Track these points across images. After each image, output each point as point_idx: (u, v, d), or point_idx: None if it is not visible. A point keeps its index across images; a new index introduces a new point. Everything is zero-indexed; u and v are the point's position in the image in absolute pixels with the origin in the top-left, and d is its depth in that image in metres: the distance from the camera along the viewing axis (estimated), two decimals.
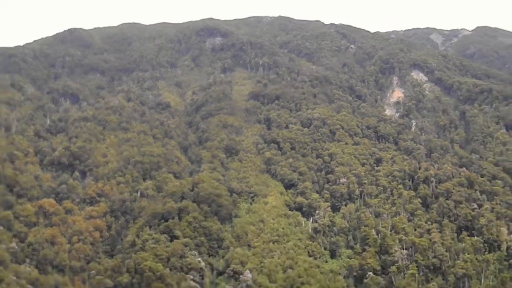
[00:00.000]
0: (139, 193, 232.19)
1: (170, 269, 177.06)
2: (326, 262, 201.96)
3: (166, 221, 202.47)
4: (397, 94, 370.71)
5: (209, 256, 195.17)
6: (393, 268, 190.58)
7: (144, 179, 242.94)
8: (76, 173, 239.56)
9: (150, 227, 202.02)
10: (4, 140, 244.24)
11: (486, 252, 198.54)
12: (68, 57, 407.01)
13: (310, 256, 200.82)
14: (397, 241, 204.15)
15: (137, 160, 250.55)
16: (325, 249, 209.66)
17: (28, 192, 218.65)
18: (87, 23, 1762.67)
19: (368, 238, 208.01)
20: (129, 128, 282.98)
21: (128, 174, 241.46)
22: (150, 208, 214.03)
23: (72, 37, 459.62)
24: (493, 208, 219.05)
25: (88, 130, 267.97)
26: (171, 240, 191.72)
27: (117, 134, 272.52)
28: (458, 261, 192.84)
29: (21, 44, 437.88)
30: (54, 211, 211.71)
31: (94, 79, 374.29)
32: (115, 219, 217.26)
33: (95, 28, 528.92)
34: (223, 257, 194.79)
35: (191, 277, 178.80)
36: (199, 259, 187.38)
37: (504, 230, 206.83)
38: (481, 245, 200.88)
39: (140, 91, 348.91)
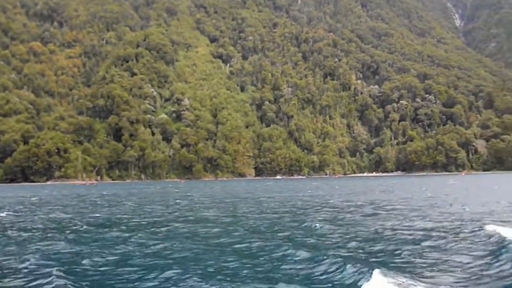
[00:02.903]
0: (105, 40, 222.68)
1: (133, 96, 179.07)
2: (238, 94, 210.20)
3: (127, 62, 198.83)
4: None
5: (159, 88, 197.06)
6: (282, 99, 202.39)
7: (108, 30, 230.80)
8: (55, 23, 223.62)
9: (115, 66, 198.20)
10: None
11: (341, 91, 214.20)
12: None
13: (227, 90, 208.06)
14: (285, 81, 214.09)
15: (101, 15, 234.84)
16: (237, 85, 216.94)
17: (19, 36, 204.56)
18: None
19: (266, 79, 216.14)
20: None
21: (95, 25, 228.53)
22: (114, 52, 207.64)
23: None
24: (348, 61, 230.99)
25: None
26: (132, 76, 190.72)
27: None
28: (323, 96, 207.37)
29: None
30: (41, 52, 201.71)
31: None
32: (88, 59, 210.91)
33: None
34: (168, 89, 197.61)
35: (147, 102, 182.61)
36: (152, 90, 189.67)
37: (353, 77, 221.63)
38: (339, 86, 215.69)
39: None
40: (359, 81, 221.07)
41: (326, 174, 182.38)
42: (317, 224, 19.29)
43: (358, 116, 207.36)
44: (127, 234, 17.85)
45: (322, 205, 31.80)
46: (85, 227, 20.99)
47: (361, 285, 8.33)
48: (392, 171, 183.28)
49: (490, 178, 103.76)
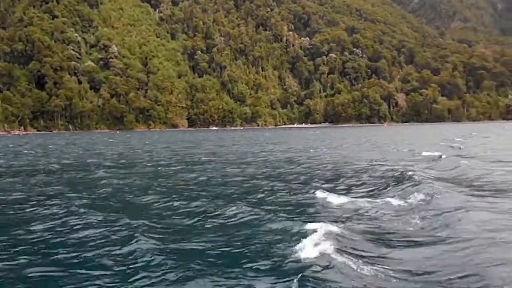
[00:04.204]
0: None
1: (55, 41, 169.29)
2: (169, 42, 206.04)
3: (47, 3, 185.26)
4: None
5: (83, 32, 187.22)
6: (214, 49, 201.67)
7: None
8: None
9: (33, 7, 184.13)
10: None
11: (274, 42, 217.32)
12: None
13: (157, 37, 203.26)
14: (218, 30, 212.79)
15: None
16: (167, 33, 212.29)
17: None
18: None
19: (198, 27, 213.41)
20: None
21: None
22: None
23: None
24: (280, 12, 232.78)
25: None
26: (53, 19, 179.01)
27: None
28: (256, 47, 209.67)
29: None
30: None
31: None
32: None
33: None
34: (93, 34, 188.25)
35: (71, 47, 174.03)
36: (76, 34, 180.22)
37: (285, 28, 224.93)
38: (271, 37, 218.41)
39: None
40: (290, 33, 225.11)
41: (258, 126, 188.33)
42: (279, 163, 23.48)
43: (289, 68, 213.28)
44: (110, 174, 20.41)
45: (277, 151, 36.11)
46: (59, 168, 23.40)
47: (311, 197, 12.95)
48: (320, 123, 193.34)
49: (411, 128, 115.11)
